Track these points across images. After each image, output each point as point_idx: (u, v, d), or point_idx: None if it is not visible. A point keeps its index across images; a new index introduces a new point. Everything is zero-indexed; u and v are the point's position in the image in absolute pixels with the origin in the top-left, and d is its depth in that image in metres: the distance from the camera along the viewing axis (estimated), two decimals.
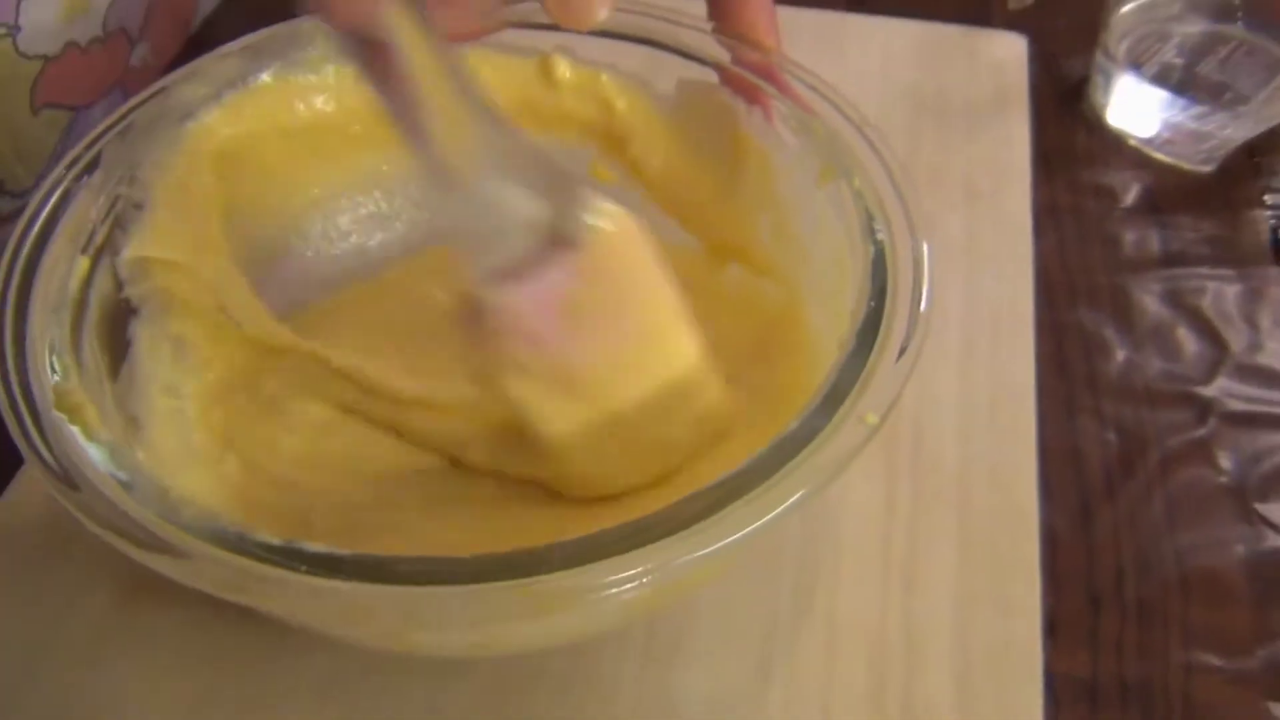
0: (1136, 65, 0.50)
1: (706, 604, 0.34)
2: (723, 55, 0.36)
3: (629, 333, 0.29)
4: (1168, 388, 0.42)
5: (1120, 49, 0.51)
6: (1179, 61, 0.50)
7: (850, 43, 0.54)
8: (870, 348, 0.27)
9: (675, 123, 0.38)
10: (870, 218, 0.30)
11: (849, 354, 0.27)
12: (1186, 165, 0.50)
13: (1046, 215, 0.47)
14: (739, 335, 0.35)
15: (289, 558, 0.23)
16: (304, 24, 0.36)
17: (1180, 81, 0.50)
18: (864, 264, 0.29)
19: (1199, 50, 0.50)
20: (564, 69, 0.38)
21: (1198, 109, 0.49)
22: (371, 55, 0.25)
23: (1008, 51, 0.54)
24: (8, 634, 0.34)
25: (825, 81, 0.35)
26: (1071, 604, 0.36)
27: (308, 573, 0.22)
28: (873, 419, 0.25)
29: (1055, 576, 0.36)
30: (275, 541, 0.23)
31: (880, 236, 0.30)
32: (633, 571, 0.23)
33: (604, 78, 0.38)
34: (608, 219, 0.28)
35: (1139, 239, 0.47)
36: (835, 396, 0.26)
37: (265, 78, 0.35)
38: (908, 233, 0.30)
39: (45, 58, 0.45)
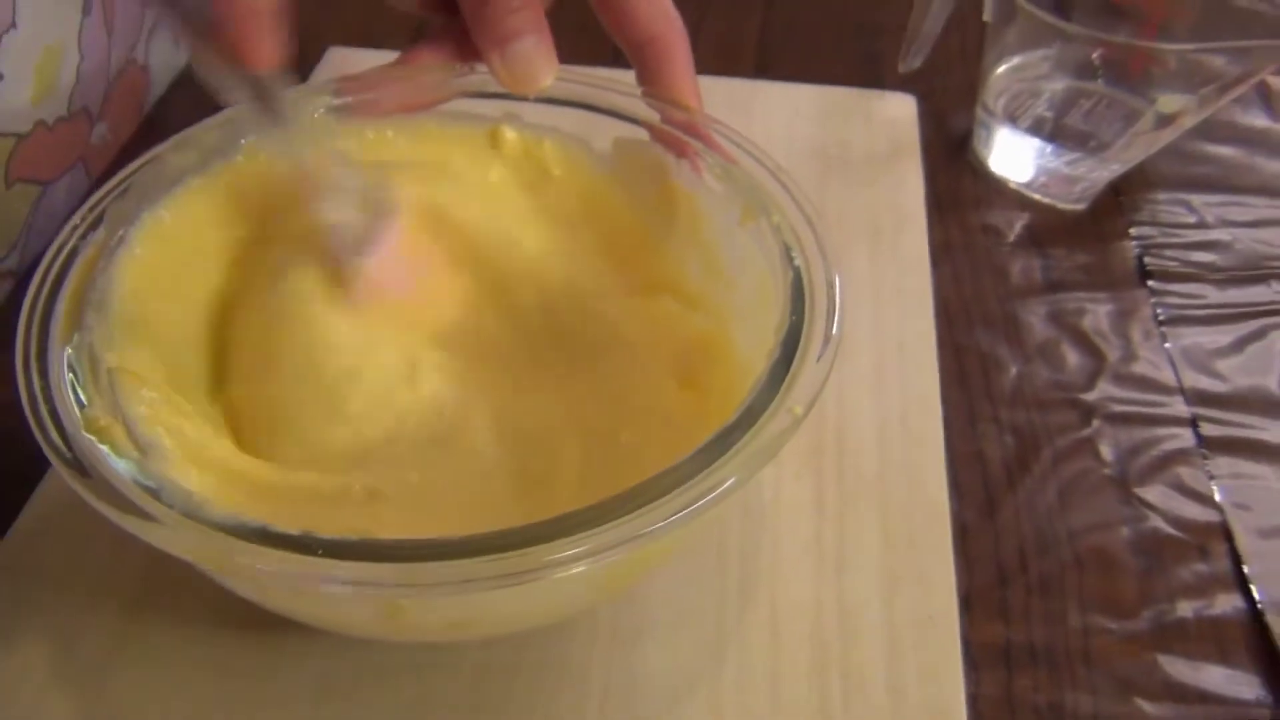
0: (1013, 118, 0.57)
1: (662, 596, 0.38)
2: (653, 115, 0.41)
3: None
4: (1055, 395, 0.48)
5: (998, 105, 0.57)
6: (1049, 114, 0.57)
7: (758, 106, 0.60)
8: (794, 353, 0.32)
9: (611, 178, 0.43)
10: (788, 248, 0.35)
11: (775, 360, 0.31)
12: (1061, 204, 0.56)
13: (942, 251, 0.53)
14: (672, 356, 0.40)
15: (307, 546, 0.26)
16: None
17: (1051, 131, 0.56)
18: (785, 286, 0.34)
19: (1066, 104, 0.57)
20: (510, 136, 0.43)
21: (1068, 155, 0.55)
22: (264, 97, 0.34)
23: (900, 110, 0.60)
24: (22, 653, 0.36)
25: (742, 135, 0.40)
26: (983, 581, 0.41)
27: (324, 555, 0.26)
28: (798, 410, 0.30)
29: (968, 559, 0.41)
30: (293, 532, 0.27)
31: (798, 262, 0.34)
32: (592, 548, 0.27)
33: (546, 144, 0.43)
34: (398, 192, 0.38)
35: (1024, 269, 0.53)
36: (766, 393, 0.30)
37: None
38: (821, 259, 0.35)
39: (18, 136, 0.49)
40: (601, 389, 0.38)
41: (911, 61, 0.59)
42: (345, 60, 0.61)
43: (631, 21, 0.40)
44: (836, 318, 0.33)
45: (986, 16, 0.57)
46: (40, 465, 0.41)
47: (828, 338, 0.32)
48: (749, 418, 0.30)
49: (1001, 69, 0.58)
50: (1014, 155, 0.57)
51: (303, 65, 0.61)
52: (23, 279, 0.51)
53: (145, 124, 0.61)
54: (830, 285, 0.34)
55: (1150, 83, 0.54)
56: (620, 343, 0.39)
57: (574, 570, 0.27)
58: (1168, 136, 0.54)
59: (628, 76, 0.41)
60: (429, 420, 0.36)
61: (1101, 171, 0.55)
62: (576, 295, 0.41)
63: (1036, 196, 0.57)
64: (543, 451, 0.36)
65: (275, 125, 0.34)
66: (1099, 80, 0.57)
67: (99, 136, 0.56)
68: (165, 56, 0.63)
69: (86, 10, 0.52)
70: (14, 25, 0.47)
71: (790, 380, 0.31)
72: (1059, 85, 0.57)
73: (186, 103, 0.63)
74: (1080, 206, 0.56)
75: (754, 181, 0.38)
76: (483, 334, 0.39)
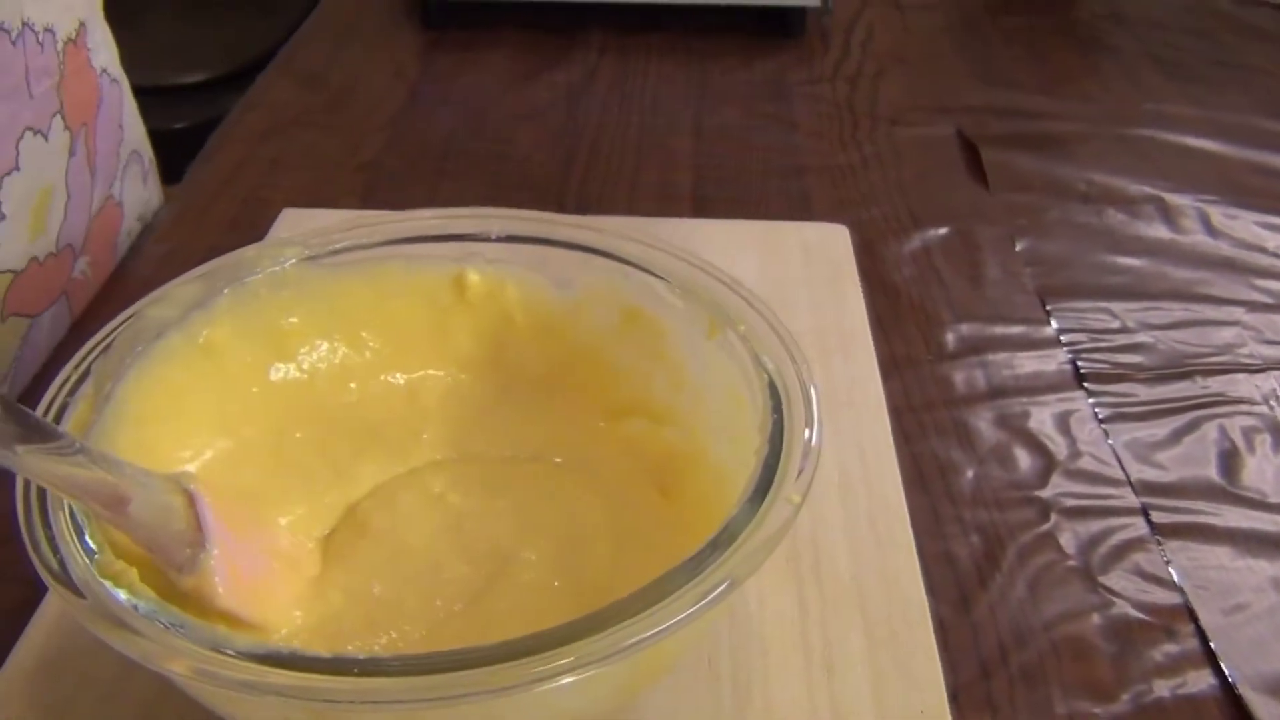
0: None
1: (657, 707, 0.38)
2: (610, 244, 0.43)
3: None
4: (1012, 494, 0.49)
5: None
6: None
7: (700, 244, 0.61)
8: (780, 448, 0.33)
9: (573, 308, 0.45)
10: (758, 355, 0.37)
11: (765, 456, 0.33)
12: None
13: (889, 366, 0.55)
14: (643, 473, 0.41)
15: (341, 666, 0.26)
16: (249, 251, 0.42)
17: None
18: (761, 390, 0.36)
19: None
20: (474, 279, 0.44)
21: None
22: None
23: (834, 237, 0.63)
24: None
25: (695, 255, 0.42)
26: (966, 676, 0.41)
27: (360, 674, 0.26)
28: (796, 498, 0.31)
29: (949, 655, 0.42)
30: (325, 655, 0.27)
31: (769, 365, 0.36)
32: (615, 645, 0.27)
33: (509, 286, 0.44)
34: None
35: (967, 379, 0.56)
36: (761, 488, 0.32)
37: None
38: (789, 359, 0.37)
39: (14, 272, 0.51)
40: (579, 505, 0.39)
41: None
42: (299, 220, 0.63)
43: None
44: (815, 406, 0.34)
45: None
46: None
47: (810, 424, 0.34)
48: (749, 510, 0.31)
49: None
50: None
51: (259, 228, 0.63)
52: None
53: (121, 264, 0.63)
54: (803, 381, 0.36)
55: None
56: (596, 465, 0.41)
57: (591, 672, 0.27)
58: None
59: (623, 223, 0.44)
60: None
61: None
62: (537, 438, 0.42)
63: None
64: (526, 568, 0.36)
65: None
66: None
67: (80, 270, 0.58)
68: (136, 192, 0.65)
69: (72, 151, 0.54)
70: (16, 168, 0.49)
71: (782, 472, 0.32)
72: None
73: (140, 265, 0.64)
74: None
75: (715, 296, 0.40)
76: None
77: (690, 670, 0.39)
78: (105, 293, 0.61)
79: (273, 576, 0.34)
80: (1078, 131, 0.78)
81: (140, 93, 0.66)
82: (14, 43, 0.49)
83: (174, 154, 0.71)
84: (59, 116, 0.54)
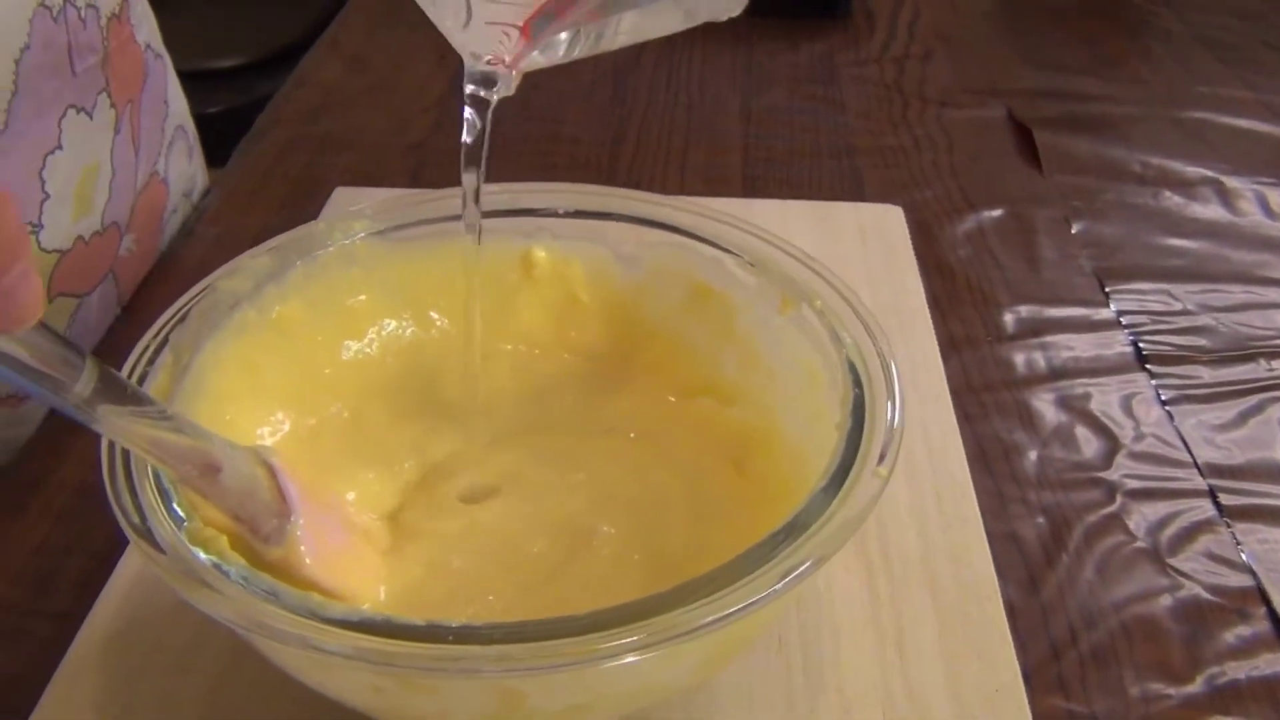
0: None
1: (730, 690, 0.38)
2: (679, 218, 0.43)
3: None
4: (1077, 476, 0.49)
5: None
6: None
7: (754, 221, 0.62)
8: (862, 424, 0.33)
9: (639, 287, 0.44)
10: (835, 330, 0.37)
11: (848, 431, 0.32)
12: None
13: (948, 347, 0.55)
14: (716, 451, 0.40)
15: (435, 634, 0.26)
16: (319, 225, 0.42)
17: None
18: (840, 366, 0.35)
19: None
20: (541, 256, 0.44)
21: None
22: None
23: (889, 218, 0.63)
24: None
25: (765, 229, 0.42)
26: (1036, 657, 0.41)
27: (454, 642, 0.26)
28: (883, 472, 0.31)
29: (1019, 636, 0.41)
30: (419, 622, 0.27)
31: (847, 340, 0.36)
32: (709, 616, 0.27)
33: (576, 264, 0.44)
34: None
35: (1028, 360, 0.55)
36: (844, 464, 0.31)
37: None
38: (866, 335, 0.36)
39: (60, 252, 0.51)
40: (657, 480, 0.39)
41: None
42: (352, 199, 0.63)
43: None
44: (897, 381, 0.34)
45: None
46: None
47: (892, 399, 0.33)
48: (833, 487, 0.30)
49: None
50: None
51: (311, 207, 0.63)
52: None
53: (172, 244, 0.64)
54: (883, 356, 0.35)
55: None
56: (670, 439, 0.40)
57: (705, 637, 0.27)
58: None
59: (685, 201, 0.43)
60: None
61: None
62: (609, 414, 0.42)
63: None
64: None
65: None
66: None
67: (125, 248, 0.58)
68: (181, 168, 0.65)
69: (117, 128, 0.54)
70: (60, 146, 0.49)
71: (866, 444, 0.31)
72: None
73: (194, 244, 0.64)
74: None
75: (788, 271, 0.40)
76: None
77: (761, 648, 0.39)
78: (157, 273, 0.61)
79: (352, 549, 0.34)
80: (1130, 114, 0.77)
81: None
82: (55, 19, 0.48)
83: (208, 138, 0.71)
84: (105, 94, 0.53)
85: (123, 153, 0.56)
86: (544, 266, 0.44)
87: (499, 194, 0.44)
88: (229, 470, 0.30)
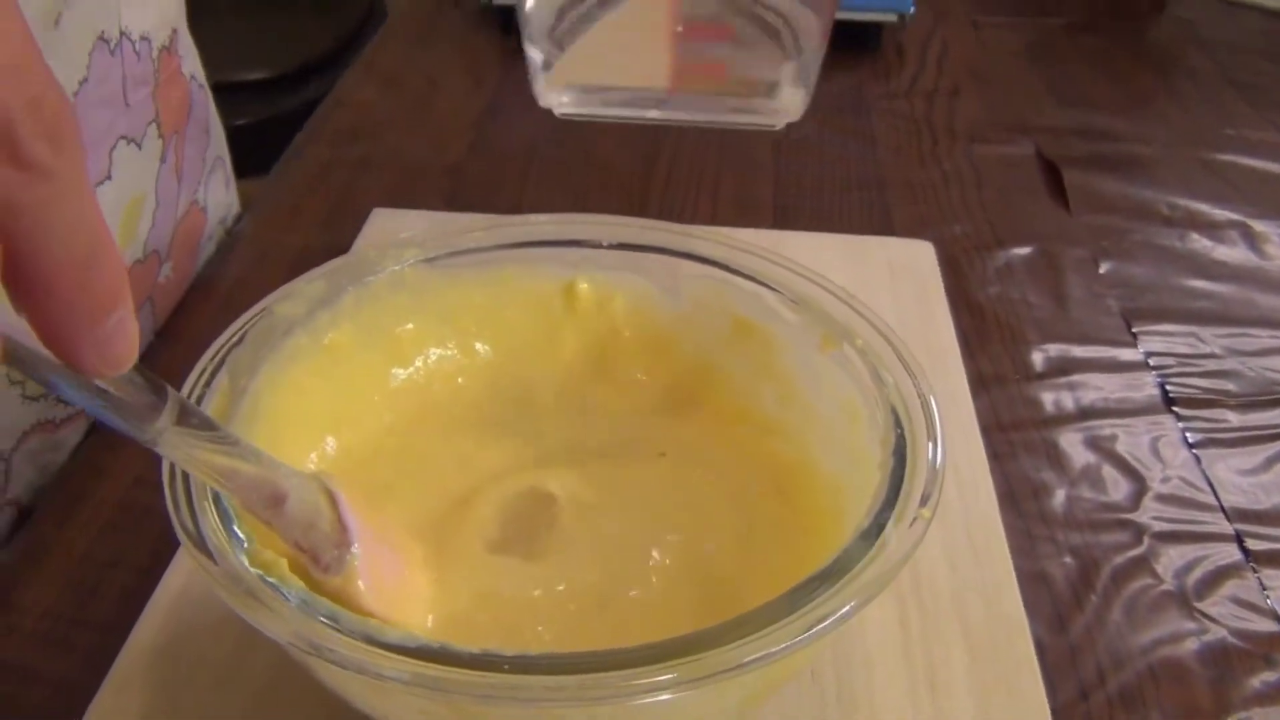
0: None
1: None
2: (721, 253, 0.43)
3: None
4: (1104, 516, 0.49)
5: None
6: None
7: (785, 254, 0.63)
8: (904, 464, 0.33)
9: (681, 320, 0.45)
10: (877, 370, 0.37)
11: (891, 471, 0.33)
12: None
13: (978, 385, 0.55)
14: (761, 477, 0.41)
15: (491, 663, 0.27)
16: (371, 252, 0.43)
17: None
18: (881, 406, 0.36)
19: None
20: (584, 289, 0.45)
21: None
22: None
23: (919, 254, 0.63)
24: None
25: (806, 267, 0.42)
26: (1065, 696, 0.41)
27: (509, 671, 0.27)
28: (926, 514, 0.31)
29: (1047, 675, 0.42)
30: (474, 650, 0.27)
31: (889, 380, 0.37)
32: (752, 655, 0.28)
33: (618, 298, 0.45)
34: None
35: (1056, 400, 0.56)
36: (887, 505, 0.32)
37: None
38: (906, 374, 0.37)
39: None
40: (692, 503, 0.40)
41: None
42: (389, 219, 0.64)
43: None
44: (938, 421, 0.35)
45: None
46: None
47: (933, 439, 0.34)
48: (875, 528, 0.31)
49: None
50: None
51: (349, 227, 0.64)
52: None
53: (211, 261, 0.65)
54: (924, 396, 0.36)
55: None
56: (716, 463, 0.41)
57: (747, 674, 0.28)
58: None
59: (710, 232, 0.44)
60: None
61: None
62: (655, 439, 0.43)
63: None
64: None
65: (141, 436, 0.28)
66: None
67: (164, 275, 0.58)
68: (218, 196, 0.66)
69: (163, 158, 0.55)
70: (109, 177, 0.49)
71: (908, 486, 0.32)
72: None
73: (234, 261, 0.65)
74: None
75: (829, 309, 0.40)
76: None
77: (795, 679, 0.40)
78: (194, 291, 0.62)
79: (404, 577, 0.34)
80: (1158, 154, 0.78)
81: None
82: (112, 52, 0.49)
83: (237, 150, 0.72)
84: (154, 124, 0.54)
85: (167, 183, 0.57)
86: (587, 299, 0.45)
87: (544, 224, 0.44)
88: (294, 500, 0.31)
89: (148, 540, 0.46)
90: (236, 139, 0.73)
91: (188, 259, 0.62)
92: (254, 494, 0.30)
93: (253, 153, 0.73)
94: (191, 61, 0.61)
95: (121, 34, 0.50)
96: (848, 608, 0.29)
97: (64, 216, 0.21)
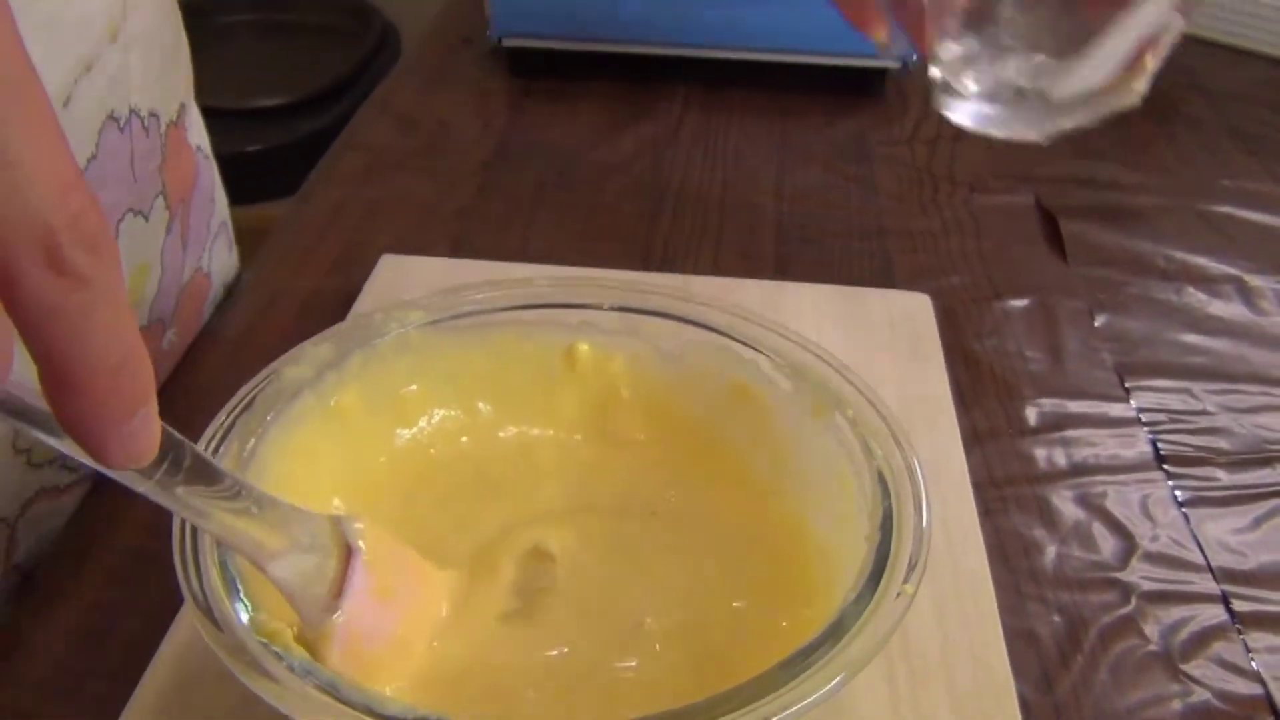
0: None
1: None
2: (722, 319, 0.45)
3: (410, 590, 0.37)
4: (1093, 575, 0.50)
5: None
6: None
7: (785, 305, 0.64)
8: (890, 536, 0.34)
9: (679, 381, 0.46)
10: (866, 441, 0.38)
11: (877, 544, 0.34)
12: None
13: (971, 439, 0.56)
14: (753, 540, 0.42)
15: None
16: (376, 315, 0.44)
17: None
18: (870, 476, 0.37)
19: None
20: (584, 351, 0.46)
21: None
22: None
23: (916, 306, 0.64)
24: None
25: (802, 335, 0.44)
26: None
27: None
28: (909, 589, 0.32)
29: None
30: None
31: (877, 451, 0.38)
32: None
33: (618, 359, 0.46)
34: (362, 525, 0.35)
35: (1048, 456, 0.57)
36: (874, 578, 0.33)
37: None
38: (893, 443, 0.38)
39: None
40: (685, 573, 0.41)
41: None
42: (397, 266, 0.65)
43: None
44: (925, 493, 0.36)
45: None
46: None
47: (919, 510, 0.35)
48: (863, 601, 0.32)
49: None
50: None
51: (357, 272, 0.65)
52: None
53: (220, 306, 0.66)
54: (910, 466, 0.37)
55: None
56: (710, 523, 0.42)
57: None
58: None
59: (711, 283, 0.45)
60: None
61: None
62: (650, 498, 0.44)
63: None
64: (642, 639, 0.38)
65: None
66: None
67: (167, 341, 0.59)
68: (222, 260, 0.67)
69: (169, 229, 0.56)
70: None
71: (893, 559, 0.33)
72: None
73: (242, 307, 0.66)
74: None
75: (822, 377, 0.42)
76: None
77: None
78: (200, 342, 0.63)
79: (398, 643, 0.35)
80: (1156, 205, 0.79)
81: (211, 114, 0.66)
82: (121, 129, 0.50)
83: (247, 176, 0.72)
84: (161, 196, 0.55)
85: (173, 251, 0.58)
86: (586, 361, 0.46)
87: (547, 286, 0.46)
88: (284, 563, 0.32)
89: (155, 590, 0.47)
90: (249, 164, 0.74)
91: (191, 324, 0.63)
92: (240, 549, 0.32)
93: (265, 178, 0.74)
94: (197, 132, 0.62)
95: (131, 111, 0.51)
96: (835, 681, 0.30)
97: (99, 322, 0.22)
